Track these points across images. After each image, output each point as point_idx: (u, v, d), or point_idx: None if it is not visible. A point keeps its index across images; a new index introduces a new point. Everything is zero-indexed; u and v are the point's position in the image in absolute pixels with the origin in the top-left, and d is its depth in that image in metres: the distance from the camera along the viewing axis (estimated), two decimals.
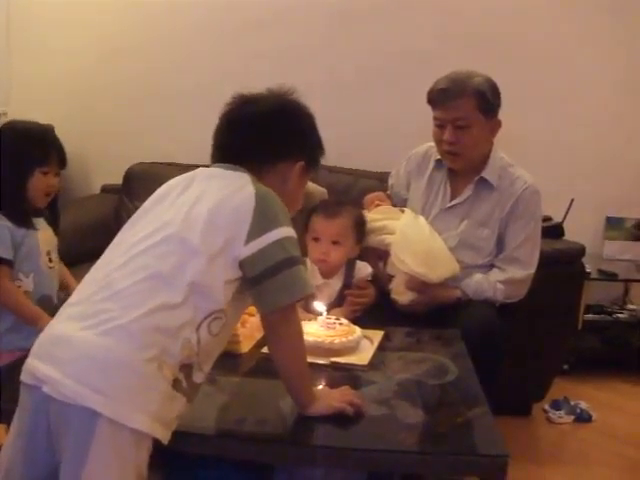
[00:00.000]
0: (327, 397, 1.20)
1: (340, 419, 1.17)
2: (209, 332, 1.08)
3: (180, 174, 1.24)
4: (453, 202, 2.05)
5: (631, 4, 2.92)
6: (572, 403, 2.47)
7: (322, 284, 1.89)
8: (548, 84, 2.95)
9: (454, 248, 1.97)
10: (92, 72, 3.08)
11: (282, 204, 1.16)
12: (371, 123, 2.94)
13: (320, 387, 1.31)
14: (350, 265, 1.92)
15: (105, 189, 3.02)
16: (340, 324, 1.57)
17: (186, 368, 1.06)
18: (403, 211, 2.06)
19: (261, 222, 1.11)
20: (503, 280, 1.96)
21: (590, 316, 2.91)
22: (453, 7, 2.93)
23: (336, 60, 2.97)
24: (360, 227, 1.94)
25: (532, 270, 1.99)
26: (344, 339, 1.49)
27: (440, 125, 1.98)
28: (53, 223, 1.93)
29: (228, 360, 1.43)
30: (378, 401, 1.27)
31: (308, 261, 1.88)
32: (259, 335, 1.53)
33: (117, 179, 2.91)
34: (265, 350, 1.41)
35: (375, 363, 1.47)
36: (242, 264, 1.10)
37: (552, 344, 2.35)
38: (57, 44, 3.08)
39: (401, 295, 1.96)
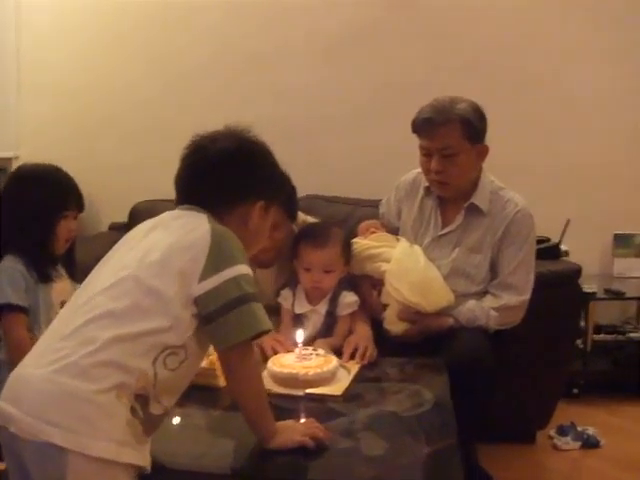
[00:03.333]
0: (290, 430, 1.21)
1: (303, 452, 1.17)
2: (165, 367, 1.09)
3: None
4: (444, 230, 2.03)
5: (627, 25, 2.91)
6: (579, 429, 2.40)
7: (309, 311, 1.92)
8: (544, 102, 2.94)
9: (447, 276, 1.95)
10: (96, 113, 3.20)
11: (239, 242, 1.18)
12: (367, 153, 2.97)
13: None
14: (335, 293, 1.93)
15: (113, 227, 3.09)
16: (317, 355, 1.57)
17: (141, 398, 1.07)
18: (398, 239, 2.06)
19: (216, 260, 1.12)
20: (497, 307, 1.92)
21: (601, 336, 2.83)
22: (443, 37, 2.97)
23: (331, 94, 3.03)
24: (347, 248, 1.97)
25: (527, 296, 1.95)
26: (319, 370, 1.50)
27: (427, 154, 1.96)
28: (70, 269, 1.84)
29: (206, 394, 1.46)
30: (345, 434, 1.28)
31: (298, 288, 1.92)
32: None
33: (124, 217, 2.97)
34: None
35: (351, 394, 1.47)
36: (197, 301, 1.11)
37: (553, 369, 2.29)
38: (64, 86, 3.20)
39: (394, 325, 1.95)
